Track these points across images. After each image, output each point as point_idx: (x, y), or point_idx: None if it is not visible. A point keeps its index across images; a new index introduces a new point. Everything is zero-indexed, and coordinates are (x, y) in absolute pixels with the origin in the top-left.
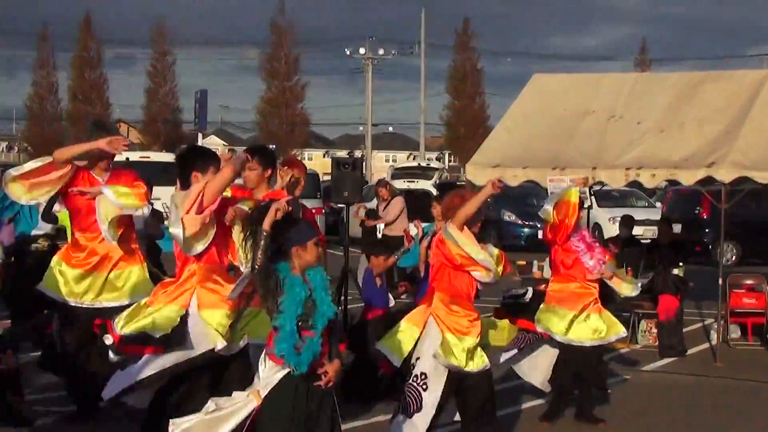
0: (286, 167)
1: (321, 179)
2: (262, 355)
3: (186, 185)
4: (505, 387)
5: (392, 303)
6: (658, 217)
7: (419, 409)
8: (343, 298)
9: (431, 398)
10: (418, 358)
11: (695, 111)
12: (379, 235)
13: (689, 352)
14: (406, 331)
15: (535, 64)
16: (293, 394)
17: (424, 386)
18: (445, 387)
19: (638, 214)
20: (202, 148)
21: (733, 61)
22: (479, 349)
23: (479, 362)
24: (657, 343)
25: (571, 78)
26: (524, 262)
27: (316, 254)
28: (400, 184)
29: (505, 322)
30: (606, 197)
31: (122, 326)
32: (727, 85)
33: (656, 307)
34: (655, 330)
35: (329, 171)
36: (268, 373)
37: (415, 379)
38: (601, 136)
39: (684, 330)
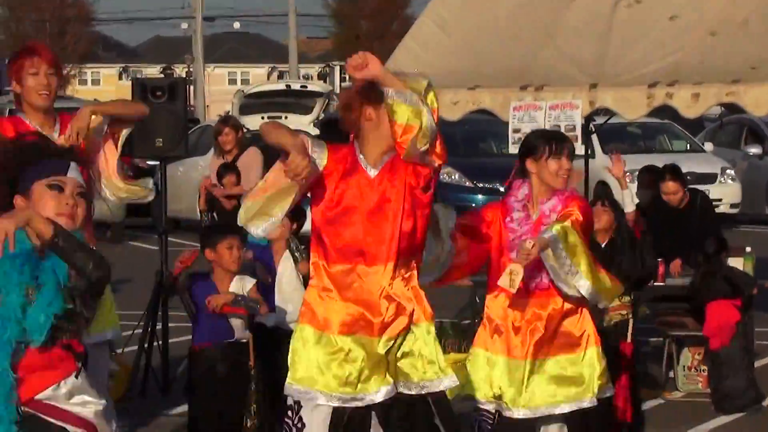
0: None
1: None
2: None
3: None
4: None
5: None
6: (712, 168)
7: None
8: (159, 324)
9: None
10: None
11: None
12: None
13: (766, 402)
14: None
15: None
16: None
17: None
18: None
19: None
20: None
21: None
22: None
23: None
24: (709, 389)
25: None
26: None
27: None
28: (257, 121)
29: (449, 359)
30: (618, 137)
31: None
32: None
33: (703, 325)
34: (705, 367)
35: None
36: None
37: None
38: (604, 33)
39: (756, 364)
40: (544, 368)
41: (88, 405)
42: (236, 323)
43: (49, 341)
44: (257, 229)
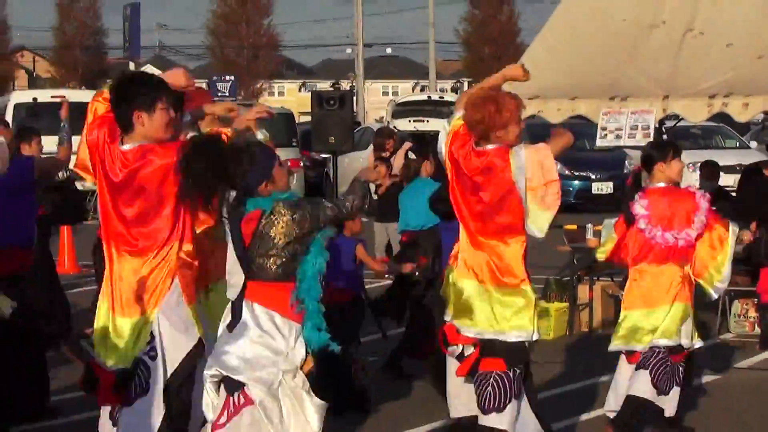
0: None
1: (297, 120)
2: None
3: (126, 130)
4: (550, 395)
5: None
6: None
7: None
8: None
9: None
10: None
11: None
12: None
13: None
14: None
15: None
16: None
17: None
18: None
19: (726, 158)
20: (143, 75)
21: None
22: None
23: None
24: (760, 332)
25: None
26: (575, 227)
27: (286, 178)
28: (405, 124)
29: (553, 307)
30: (683, 136)
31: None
32: None
33: (756, 283)
34: (754, 314)
35: (308, 109)
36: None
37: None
38: (675, 56)
39: None
40: None
41: None
42: None
43: None
44: None
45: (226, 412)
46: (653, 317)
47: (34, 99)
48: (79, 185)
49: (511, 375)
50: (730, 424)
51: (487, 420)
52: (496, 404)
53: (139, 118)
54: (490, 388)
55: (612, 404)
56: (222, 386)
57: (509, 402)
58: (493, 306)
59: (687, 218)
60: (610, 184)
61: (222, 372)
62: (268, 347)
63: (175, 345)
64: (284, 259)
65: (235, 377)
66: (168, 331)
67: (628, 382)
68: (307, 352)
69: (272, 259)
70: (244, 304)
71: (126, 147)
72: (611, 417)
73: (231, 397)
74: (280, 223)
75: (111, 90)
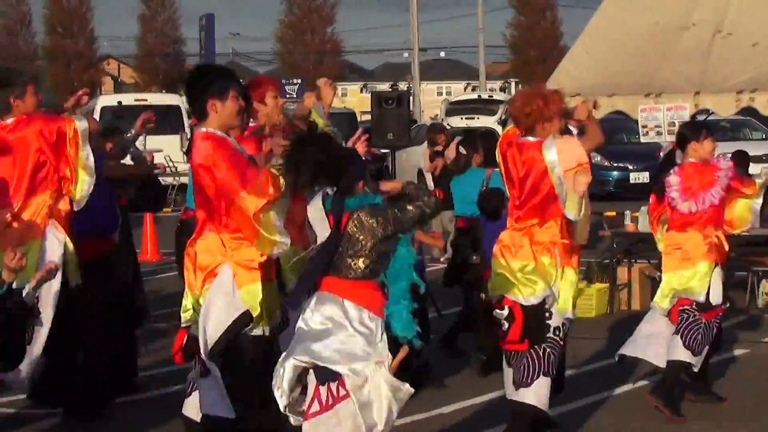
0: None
1: (359, 119)
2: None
3: (202, 117)
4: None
5: None
6: None
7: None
8: None
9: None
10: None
11: None
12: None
13: None
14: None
15: None
16: None
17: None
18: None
19: (754, 149)
20: (214, 66)
21: None
22: None
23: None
24: None
25: None
26: (614, 213)
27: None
28: (457, 121)
29: (594, 288)
30: (713, 129)
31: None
32: None
33: None
34: None
35: (368, 109)
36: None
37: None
38: (705, 55)
39: None
40: None
41: None
42: None
43: None
44: None
45: (316, 401)
46: (683, 278)
47: (119, 102)
48: (160, 179)
49: (541, 352)
50: (758, 393)
51: (516, 395)
52: (524, 379)
53: (213, 106)
54: (521, 366)
55: (627, 347)
56: (311, 373)
57: (536, 377)
58: (517, 275)
59: (710, 183)
60: (647, 174)
61: (315, 362)
62: (363, 339)
63: (214, 321)
64: (372, 260)
65: (333, 368)
66: (209, 308)
67: (665, 347)
68: (397, 346)
69: (361, 260)
70: (333, 300)
71: (198, 130)
72: (620, 357)
73: (322, 387)
74: (366, 227)
75: (186, 82)
